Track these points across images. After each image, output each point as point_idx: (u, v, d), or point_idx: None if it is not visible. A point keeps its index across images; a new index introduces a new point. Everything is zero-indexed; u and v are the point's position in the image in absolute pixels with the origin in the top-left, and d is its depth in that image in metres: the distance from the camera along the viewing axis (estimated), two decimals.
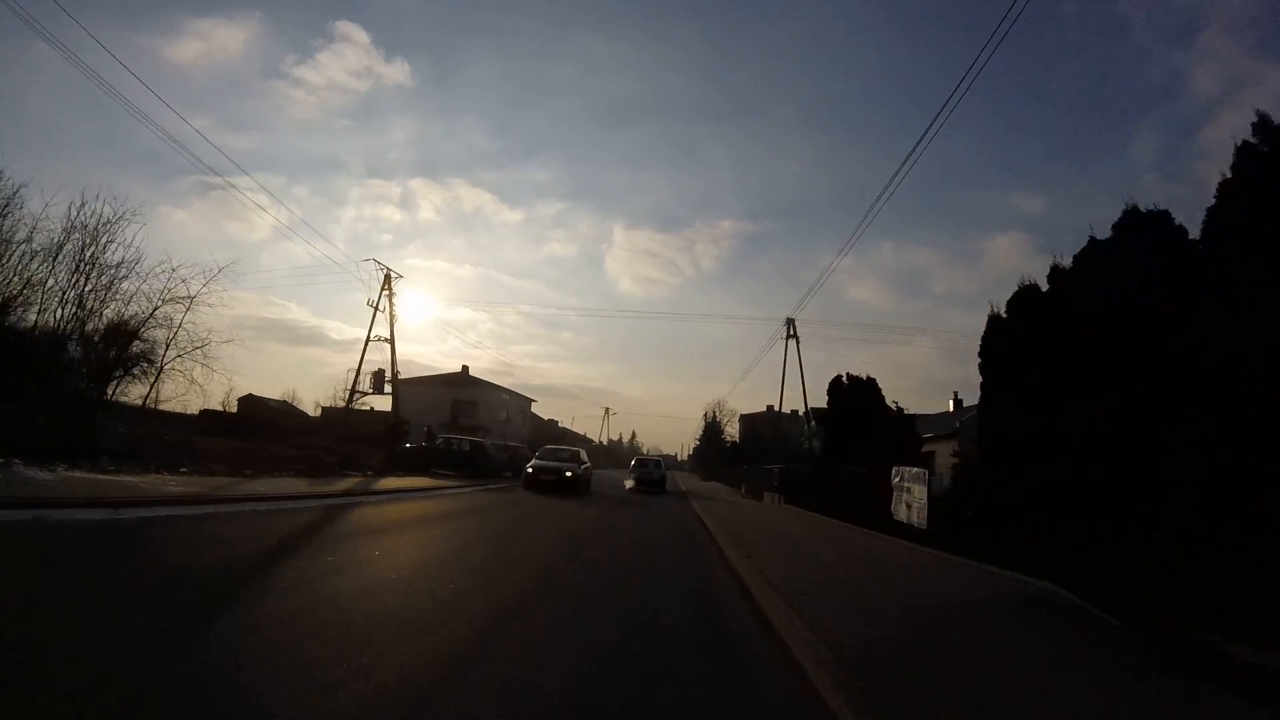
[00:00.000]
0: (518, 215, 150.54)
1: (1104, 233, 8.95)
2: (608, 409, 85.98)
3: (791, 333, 32.70)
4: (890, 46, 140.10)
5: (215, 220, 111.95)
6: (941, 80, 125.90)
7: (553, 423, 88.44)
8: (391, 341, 31.87)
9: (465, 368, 57.50)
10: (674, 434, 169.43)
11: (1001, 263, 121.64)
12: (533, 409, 77.53)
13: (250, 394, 40.53)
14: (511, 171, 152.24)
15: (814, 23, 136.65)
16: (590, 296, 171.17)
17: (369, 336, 31.87)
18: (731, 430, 66.28)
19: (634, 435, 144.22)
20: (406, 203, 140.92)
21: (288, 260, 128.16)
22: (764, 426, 58.19)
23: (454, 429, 56.20)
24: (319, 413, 45.80)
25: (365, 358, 32.33)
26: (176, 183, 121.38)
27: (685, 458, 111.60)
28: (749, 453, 45.14)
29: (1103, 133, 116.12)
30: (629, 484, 32.06)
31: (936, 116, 14.21)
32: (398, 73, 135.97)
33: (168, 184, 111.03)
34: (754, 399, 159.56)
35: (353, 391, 31.74)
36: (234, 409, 34.47)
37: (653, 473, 32.65)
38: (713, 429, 60.77)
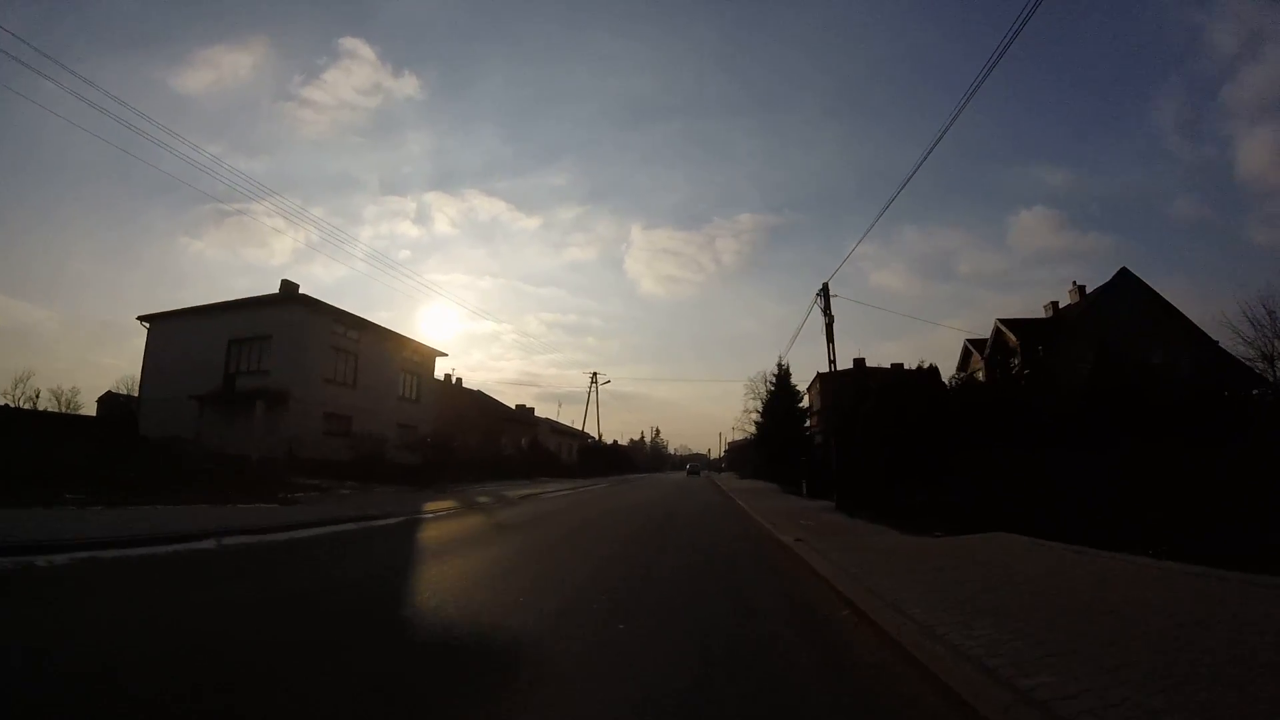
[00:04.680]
0: (535, 222, 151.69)
1: None
2: (595, 375, 57.23)
3: None
4: (908, 30, 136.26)
5: (233, 246, 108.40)
6: (960, 60, 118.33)
7: (524, 411, 60.67)
8: None
9: (291, 285, 29.78)
10: (701, 434, 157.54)
11: (1028, 238, 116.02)
12: (460, 375, 50.24)
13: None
14: (527, 178, 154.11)
15: (830, 10, 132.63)
16: (613, 299, 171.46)
17: None
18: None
19: (657, 432, 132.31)
20: (423, 217, 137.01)
21: (309, 282, 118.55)
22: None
23: (225, 398, 28.99)
24: None
25: None
26: (192, 211, 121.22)
27: (720, 454, 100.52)
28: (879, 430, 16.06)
29: (1124, 99, 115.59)
30: (685, 474, 66.94)
31: (942, 134, 10.49)
32: (407, 86, 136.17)
33: (184, 213, 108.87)
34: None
35: None
36: None
37: (696, 470, 75.10)
38: (785, 393, 33.72)
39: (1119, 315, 19.32)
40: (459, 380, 50.53)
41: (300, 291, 28.72)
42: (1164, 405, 12.70)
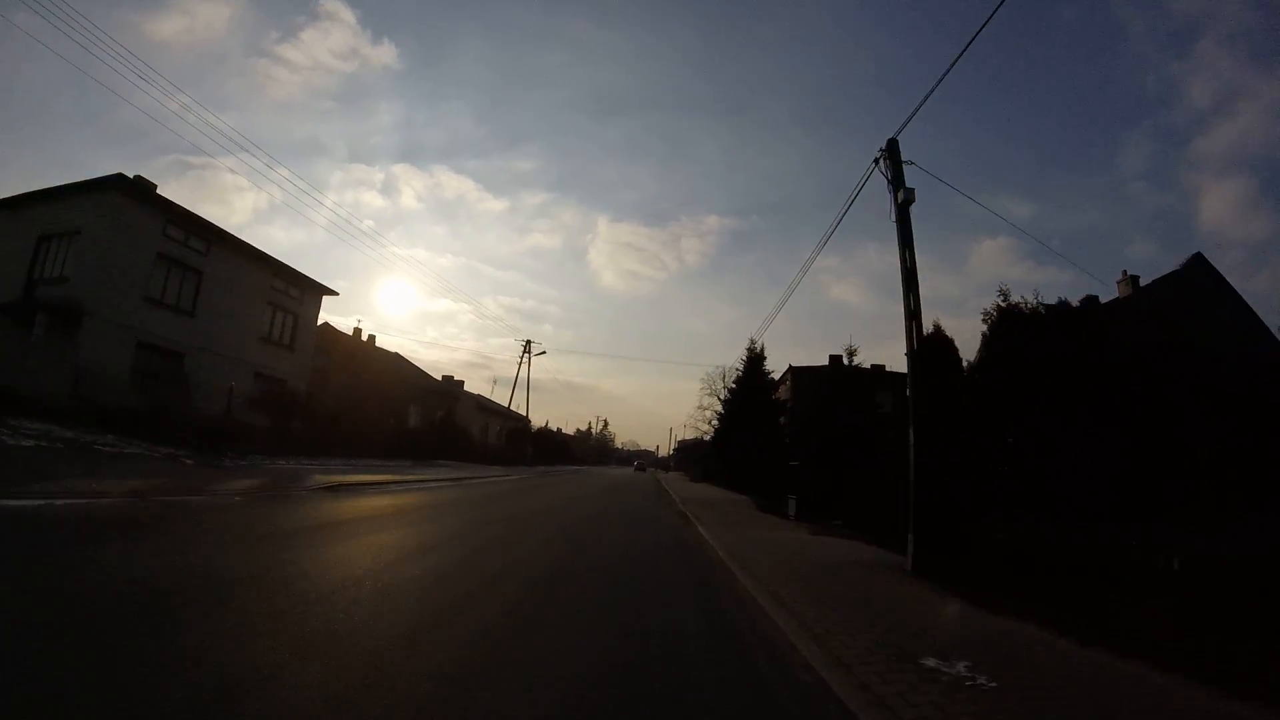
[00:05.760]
0: (501, 204, 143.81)
1: None
2: (529, 343, 50.73)
3: None
4: (880, 47, 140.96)
5: (192, 203, 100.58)
6: (929, 82, 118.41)
7: (451, 383, 54.02)
8: None
9: (147, 183, 22.51)
10: (649, 430, 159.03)
11: (988, 266, 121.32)
12: (374, 334, 43.56)
13: None
14: (495, 160, 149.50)
15: (806, 21, 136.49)
16: (572, 289, 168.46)
17: None
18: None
19: (605, 424, 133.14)
20: (389, 189, 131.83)
21: (266, 242, 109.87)
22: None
23: (20, 310, 22.00)
24: None
25: None
26: (153, 162, 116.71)
27: (668, 453, 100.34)
28: None
29: (1094, 141, 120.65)
30: (632, 470, 74.31)
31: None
32: (385, 55, 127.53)
33: (145, 164, 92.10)
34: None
35: None
36: None
37: (643, 466, 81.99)
38: (757, 383, 30.00)
39: (1197, 307, 15.15)
40: (372, 338, 43.77)
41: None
42: None
